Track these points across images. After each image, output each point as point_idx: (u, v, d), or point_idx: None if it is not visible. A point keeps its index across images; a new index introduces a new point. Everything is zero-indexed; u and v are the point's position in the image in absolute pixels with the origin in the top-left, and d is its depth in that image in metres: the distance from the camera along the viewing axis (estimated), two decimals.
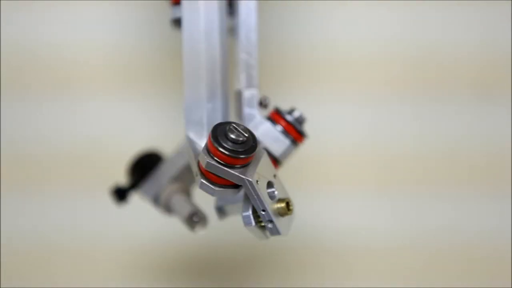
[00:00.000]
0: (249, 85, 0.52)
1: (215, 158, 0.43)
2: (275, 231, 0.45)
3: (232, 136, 0.43)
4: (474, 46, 0.74)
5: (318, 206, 0.75)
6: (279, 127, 0.51)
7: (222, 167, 0.43)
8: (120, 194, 0.59)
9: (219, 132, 0.43)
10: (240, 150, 0.43)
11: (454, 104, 0.74)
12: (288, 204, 0.46)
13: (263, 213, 0.45)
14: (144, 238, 0.75)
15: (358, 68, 0.74)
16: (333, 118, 0.75)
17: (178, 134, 0.65)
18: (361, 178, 0.75)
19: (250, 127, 0.52)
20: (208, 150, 0.43)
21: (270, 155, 0.51)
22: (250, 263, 0.75)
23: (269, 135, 0.51)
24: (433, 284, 0.75)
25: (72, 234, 0.75)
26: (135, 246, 0.76)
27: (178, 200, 0.55)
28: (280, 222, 0.46)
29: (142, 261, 0.75)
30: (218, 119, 0.49)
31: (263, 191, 0.44)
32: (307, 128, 0.52)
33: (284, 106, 0.52)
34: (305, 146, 0.53)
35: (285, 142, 0.51)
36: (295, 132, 0.51)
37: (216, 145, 0.43)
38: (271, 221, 0.45)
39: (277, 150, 0.51)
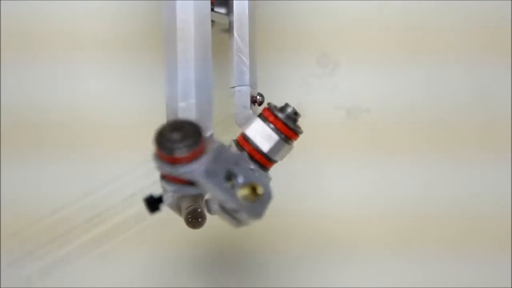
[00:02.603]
0: (241, 82, 0.53)
1: (160, 159, 0.44)
2: (243, 222, 0.46)
3: (174, 135, 0.44)
4: (480, 8, 0.73)
5: (316, 175, 0.74)
6: (271, 125, 0.51)
7: (167, 167, 0.44)
8: (154, 204, 0.60)
9: (160, 133, 0.44)
10: (177, 147, 0.44)
11: (455, 69, 0.73)
12: (254, 189, 0.45)
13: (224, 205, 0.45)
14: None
15: (356, 33, 0.74)
16: (330, 84, 0.74)
17: None
18: (357, 143, 0.74)
19: (242, 124, 0.53)
20: (155, 153, 0.45)
21: (260, 152, 0.51)
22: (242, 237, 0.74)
23: (259, 133, 0.51)
24: (429, 250, 0.73)
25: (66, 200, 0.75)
26: None
27: (183, 199, 0.57)
28: (251, 207, 0.45)
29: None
30: (192, 118, 0.49)
31: (218, 183, 0.44)
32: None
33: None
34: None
35: (275, 139, 0.51)
36: (286, 129, 0.51)
37: (157, 146, 0.44)
38: (236, 211, 0.45)
39: (265, 147, 0.51)
